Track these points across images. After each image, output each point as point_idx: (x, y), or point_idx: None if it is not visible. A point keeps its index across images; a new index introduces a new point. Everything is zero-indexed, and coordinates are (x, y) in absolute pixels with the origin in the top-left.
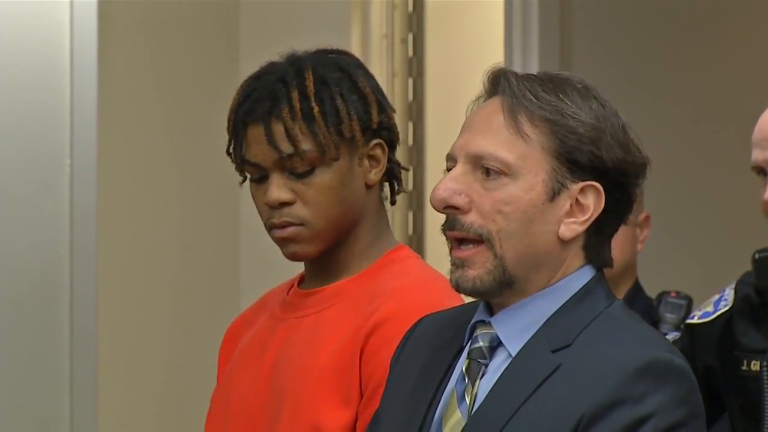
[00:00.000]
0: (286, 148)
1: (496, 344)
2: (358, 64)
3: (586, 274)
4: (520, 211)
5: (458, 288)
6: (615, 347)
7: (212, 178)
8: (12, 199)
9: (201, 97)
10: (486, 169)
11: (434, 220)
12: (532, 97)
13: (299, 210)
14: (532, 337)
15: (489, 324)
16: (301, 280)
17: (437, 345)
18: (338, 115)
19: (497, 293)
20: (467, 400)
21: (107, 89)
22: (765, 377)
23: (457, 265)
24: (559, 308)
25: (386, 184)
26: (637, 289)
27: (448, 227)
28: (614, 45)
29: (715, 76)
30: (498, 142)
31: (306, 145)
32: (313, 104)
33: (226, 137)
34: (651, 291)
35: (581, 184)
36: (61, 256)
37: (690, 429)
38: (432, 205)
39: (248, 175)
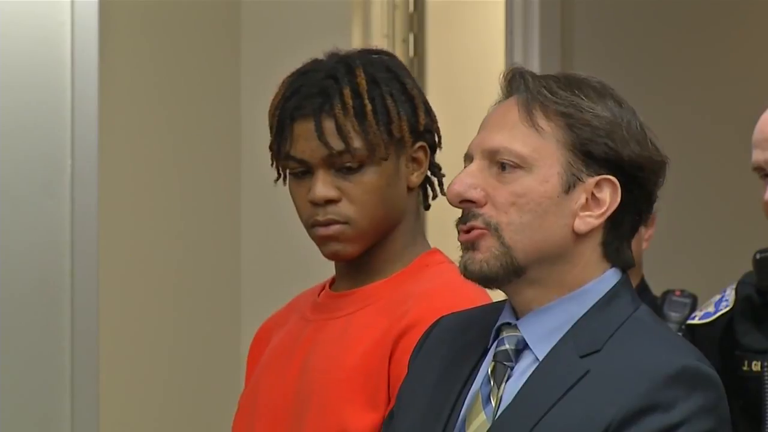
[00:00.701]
0: (337, 144)
1: (522, 347)
2: (402, 66)
3: (612, 278)
4: (535, 202)
5: (466, 271)
6: (644, 354)
7: (213, 178)
8: (13, 199)
9: (202, 97)
10: (501, 163)
11: (435, 218)
12: (547, 93)
13: (345, 208)
14: (560, 341)
15: (515, 327)
16: (333, 282)
17: (459, 346)
18: (389, 114)
19: (506, 280)
20: (492, 403)
21: (108, 89)
22: (766, 378)
23: (466, 247)
24: (587, 312)
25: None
26: (642, 288)
27: (462, 221)
28: (615, 45)
29: (716, 76)
30: (513, 136)
31: (357, 142)
32: (366, 102)
33: (227, 137)
34: (652, 291)
35: (597, 177)
36: (62, 256)
37: None
38: (448, 200)
39: (283, 173)
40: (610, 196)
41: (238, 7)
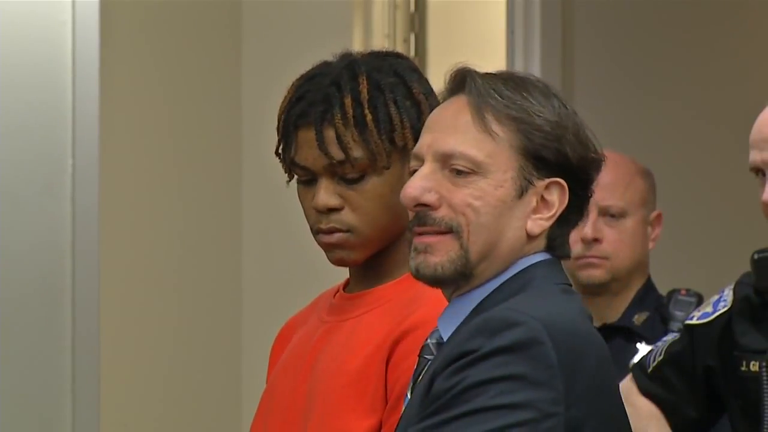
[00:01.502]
0: (337, 154)
1: (443, 341)
2: (413, 68)
3: (533, 259)
4: (490, 206)
5: (417, 274)
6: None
7: (214, 178)
8: (14, 199)
9: (203, 96)
10: (456, 169)
11: None
12: (497, 95)
13: (347, 216)
14: (460, 324)
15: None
16: (347, 284)
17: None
18: (391, 122)
19: (452, 284)
20: (409, 396)
21: (109, 89)
22: (765, 378)
23: (419, 250)
24: (491, 293)
25: None
26: (648, 287)
27: (417, 223)
28: (616, 45)
29: (717, 76)
30: (466, 140)
31: (357, 152)
32: (367, 111)
33: (228, 137)
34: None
35: (547, 180)
36: (63, 256)
37: (525, 382)
38: (403, 203)
39: (295, 176)
40: (558, 197)
41: (239, 7)
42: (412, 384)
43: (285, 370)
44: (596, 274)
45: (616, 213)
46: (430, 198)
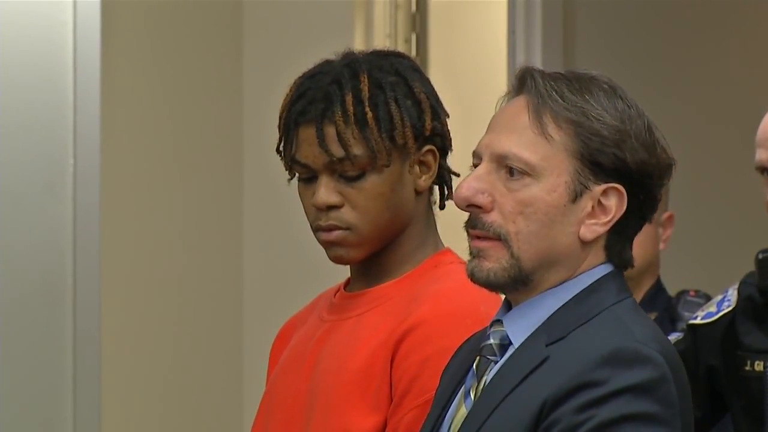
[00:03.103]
0: (337, 151)
1: (507, 342)
2: (414, 68)
3: (600, 271)
4: (542, 212)
5: (473, 277)
6: (595, 339)
7: (215, 178)
8: (15, 199)
9: (204, 96)
10: (509, 168)
11: (444, 219)
12: (558, 97)
13: (347, 214)
14: (534, 332)
15: (501, 322)
16: (348, 282)
17: (468, 353)
18: (392, 121)
19: (511, 289)
20: (472, 396)
21: (110, 89)
22: None
23: (474, 254)
24: (565, 304)
25: (436, 187)
26: (658, 288)
27: (470, 225)
28: (618, 45)
29: (720, 75)
30: (522, 142)
31: (357, 150)
32: (367, 109)
33: (229, 137)
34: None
35: (603, 186)
36: (64, 256)
37: (654, 422)
38: (455, 203)
39: (296, 174)
40: (616, 203)
41: (240, 7)
42: (475, 384)
43: (286, 369)
44: None
45: None
46: (482, 200)
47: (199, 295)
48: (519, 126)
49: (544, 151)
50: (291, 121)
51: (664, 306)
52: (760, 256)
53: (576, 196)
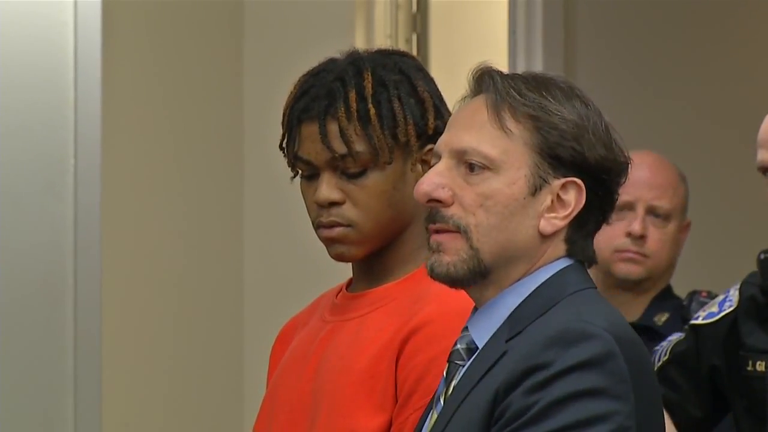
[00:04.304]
0: (339, 148)
1: (474, 346)
2: (418, 67)
3: (559, 265)
4: (502, 204)
5: (432, 273)
6: (549, 325)
7: (216, 177)
8: (15, 199)
9: (205, 96)
10: (469, 164)
11: None
12: (515, 94)
13: (348, 211)
14: (496, 331)
15: (467, 327)
16: (350, 283)
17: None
18: (394, 118)
19: (471, 282)
20: (442, 401)
21: (111, 89)
22: None
23: (433, 249)
24: (524, 299)
25: None
26: (667, 290)
27: (430, 220)
28: (619, 45)
29: (721, 75)
30: (481, 137)
31: (360, 146)
32: (370, 106)
33: (230, 137)
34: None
35: (563, 180)
36: (65, 256)
37: (604, 396)
38: (416, 198)
39: (299, 172)
40: (575, 197)
41: (241, 7)
42: (444, 389)
43: (288, 370)
44: (635, 270)
45: (663, 214)
46: (442, 194)
47: (200, 295)
48: (478, 122)
49: (504, 144)
50: (294, 117)
51: (673, 307)
52: (762, 257)
53: (536, 190)
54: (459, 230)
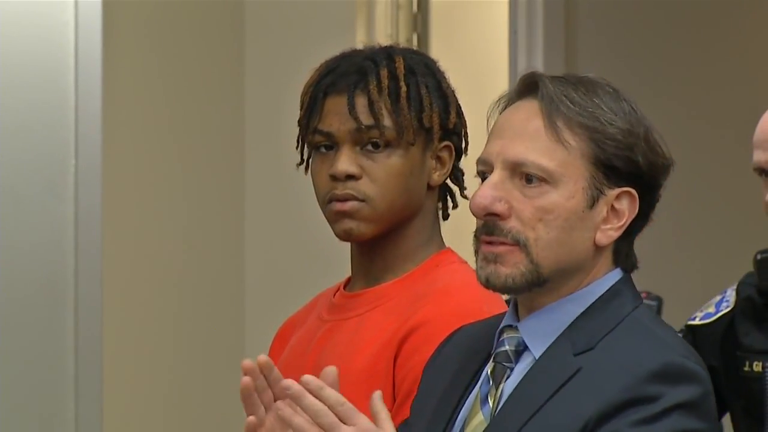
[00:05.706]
0: (367, 120)
1: (522, 348)
2: (441, 69)
3: (614, 277)
4: (562, 218)
5: (488, 283)
6: (632, 351)
7: (218, 177)
8: (16, 199)
9: (206, 96)
10: (526, 175)
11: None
12: (568, 102)
13: (365, 186)
14: (556, 340)
15: (516, 328)
16: (348, 282)
17: (470, 352)
18: (422, 102)
19: (527, 291)
20: (490, 403)
21: (112, 89)
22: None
23: (489, 259)
24: (584, 311)
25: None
26: None
27: (485, 232)
28: (619, 45)
29: (720, 76)
30: (538, 149)
31: (387, 121)
32: (402, 83)
33: (231, 137)
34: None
35: (617, 190)
36: (66, 257)
37: None
38: (472, 212)
39: (307, 157)
40: (628, 207)
41: (241, 7)
42: (491, 391)
43: (286, 369)
44: None
45: None
46: (500, 207)
47: (201, 295)
48: (531, 132)
49: (561, 157)
50: (320, 91)
51: None
52: (759, 257)
53: (593, 202)
54: (518, 244)
